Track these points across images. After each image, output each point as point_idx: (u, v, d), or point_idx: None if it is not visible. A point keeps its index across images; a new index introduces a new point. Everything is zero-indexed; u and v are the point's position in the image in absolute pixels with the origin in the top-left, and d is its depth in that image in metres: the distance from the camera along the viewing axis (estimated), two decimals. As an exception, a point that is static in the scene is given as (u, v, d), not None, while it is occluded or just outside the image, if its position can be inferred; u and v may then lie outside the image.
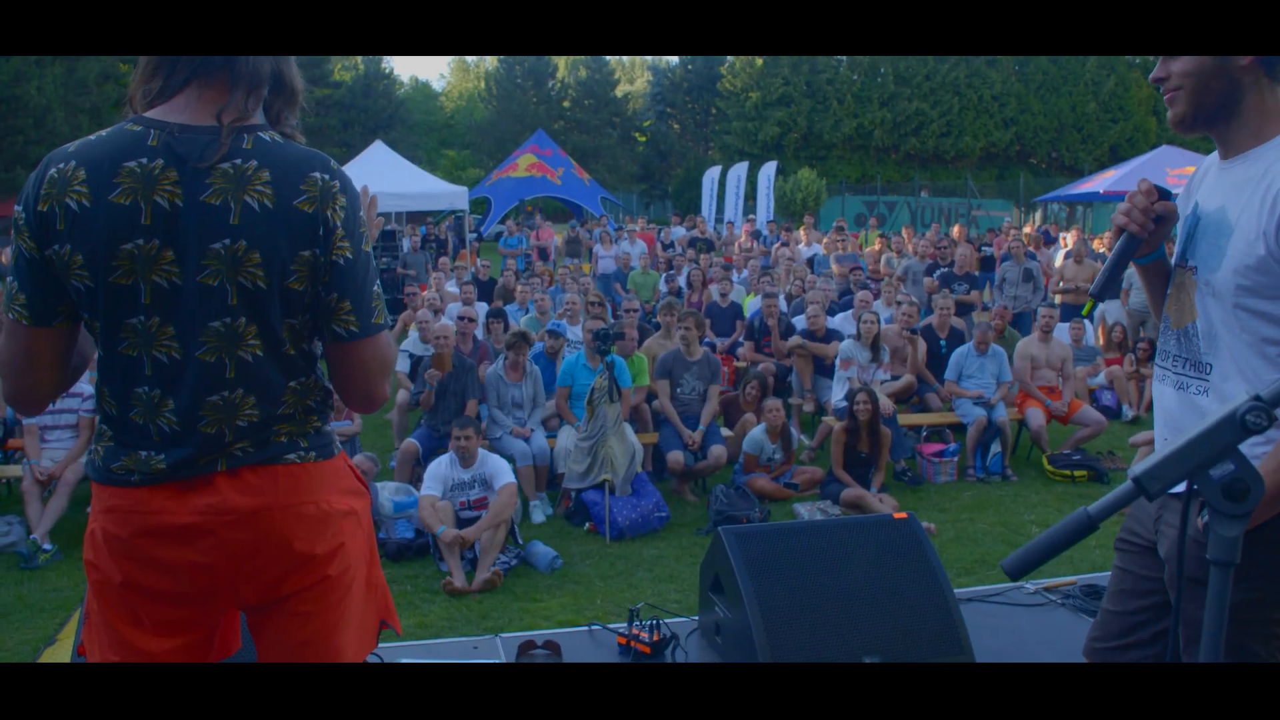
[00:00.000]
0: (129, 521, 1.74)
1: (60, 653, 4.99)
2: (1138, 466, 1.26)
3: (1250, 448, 1.80)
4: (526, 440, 7.46)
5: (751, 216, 24.09)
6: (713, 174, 29.60)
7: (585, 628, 3.97)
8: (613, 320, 9.67)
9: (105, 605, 1.81)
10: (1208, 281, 1.96)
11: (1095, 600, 4.08)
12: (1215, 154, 2.09)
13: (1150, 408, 9.87)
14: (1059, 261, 13.90)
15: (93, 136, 1.73)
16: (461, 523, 6.17)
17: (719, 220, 27.08)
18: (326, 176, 1.74)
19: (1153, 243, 2.08)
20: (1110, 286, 2.10)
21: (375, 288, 1.81)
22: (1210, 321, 1.97)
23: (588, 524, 6.92)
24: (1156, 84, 2.03)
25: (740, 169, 28.06)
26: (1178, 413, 2.05)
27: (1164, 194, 2.03)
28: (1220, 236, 1.95)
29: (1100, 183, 20.80)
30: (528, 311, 10.84)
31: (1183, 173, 17.65)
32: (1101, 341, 11.78)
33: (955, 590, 4.22)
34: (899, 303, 10.25)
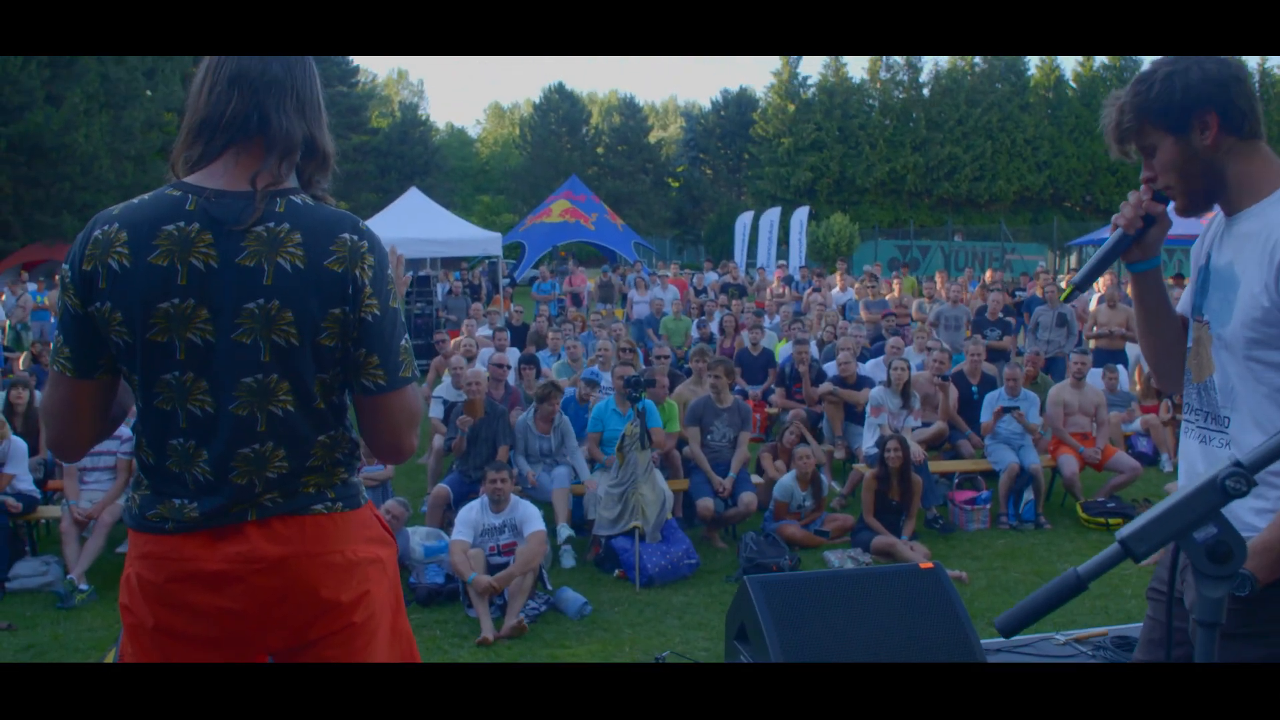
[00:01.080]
0: (162, 568, 1.80)
1: (94, 694, 5.06)
2: (1124, 529, 1.29)
3: (1254, 516, 1.87)
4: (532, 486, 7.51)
5: (783, 262, 24.18)
6: (745, 219, 29.75)
7: (611, 675, 3.97)
8: (644, 367, 9.73)
9: (139, 649, 1.86)
10: (1219, 335, 1.99)
11: (1126, 652, 4.04)
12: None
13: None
14: (1093, 306, 13.83)
15: (135, 200, 1.82)
16: (492, 568, 6.20)
17: (751, 265, 27.18)
18: (355, 237, 1.81)
19: (1146, 248, 2.09)
20: (1091, 279, 2.17)
21: (402, 342, 1.87)
22: (1226, 375, 1.99)
23: (617, 570, 6.92)
24: (1149, 184, 2.06)
25: (773, 214, 28.19)
26: (1201, 466, 2.06)
27: (1159, 198, 2.04)
28: (1229, 290, 1.98)
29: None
30: (560, 358, 10.92)
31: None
32: (1138, 387, 11.68)
33: (985, 641, 4.19)
34: (929, 349, 10.24)
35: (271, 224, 1.76)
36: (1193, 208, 2.03)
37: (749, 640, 3.58)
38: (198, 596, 1.79)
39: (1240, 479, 1.17)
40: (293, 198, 1.81)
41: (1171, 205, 2.05)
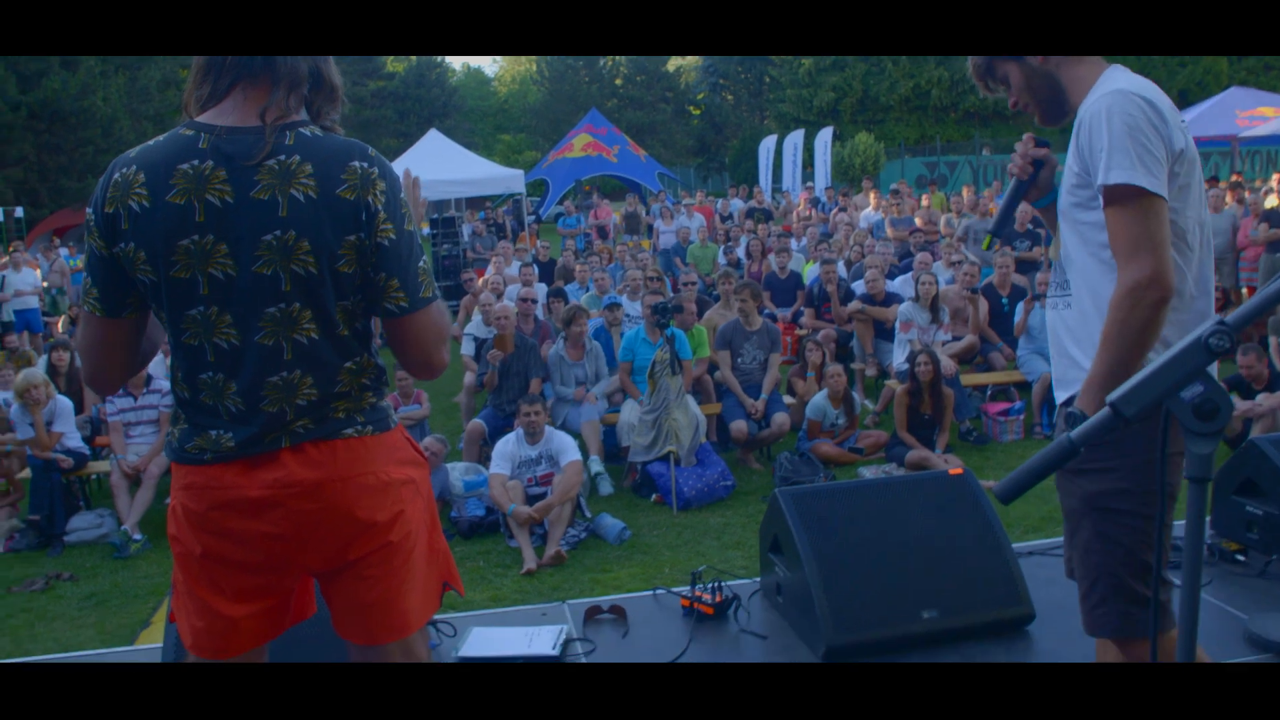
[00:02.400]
0: (204, 497, 1.87)
1: (154, 635, 5.24)
2: (1114, 392, 1.32)
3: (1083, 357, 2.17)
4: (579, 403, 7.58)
5: (809, 184, 23.92)
6: (768, 143, 29.40)
7: (649, 592, 4.06)
8: (671, 294, 9.74)
9: (188, 575, 1.94)
10: (1060, 210, 2.26)
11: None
12: None
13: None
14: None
15: (151, 142, 1.86)
16: (530, 499, 6.31)
17: (776, 189, 26.93)
18: (365, 164, 1.84)
19: (1042, 187, 2.40)
20: (1003, 225, 2.57)
21: (421, 264, 1.91)
22: (1066, 244, 2.25)
23: (654, 495, 7.02)
24: (1016, 109, 2.40)
25: (796, 137, 27.83)
26: (1051, 331, 2.34)
27: (1041, 143, 2.37)
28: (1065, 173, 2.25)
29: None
30: (587, 290, 10.95)
31: (1253, 114, 17.13)
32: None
33: (1016, 545, 4.24)
34: (958, 263, 10.17)
35: (282, 157, 1.80)
36: (1050, 117, 2.33)
37: (782, 552, 3.64)
38: (239, 523, 1.86)
39: (1223, 336, 1.19)
40: (302, 129, 1.84)
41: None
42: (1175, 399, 1.20)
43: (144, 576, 6.11)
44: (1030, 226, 11.81)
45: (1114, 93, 2.09)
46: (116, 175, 1.82)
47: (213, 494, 1.86)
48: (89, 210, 1.86)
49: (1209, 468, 1.22)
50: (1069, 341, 2.25)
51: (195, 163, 1.79)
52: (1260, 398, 6.80)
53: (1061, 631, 3.47)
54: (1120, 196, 2.05)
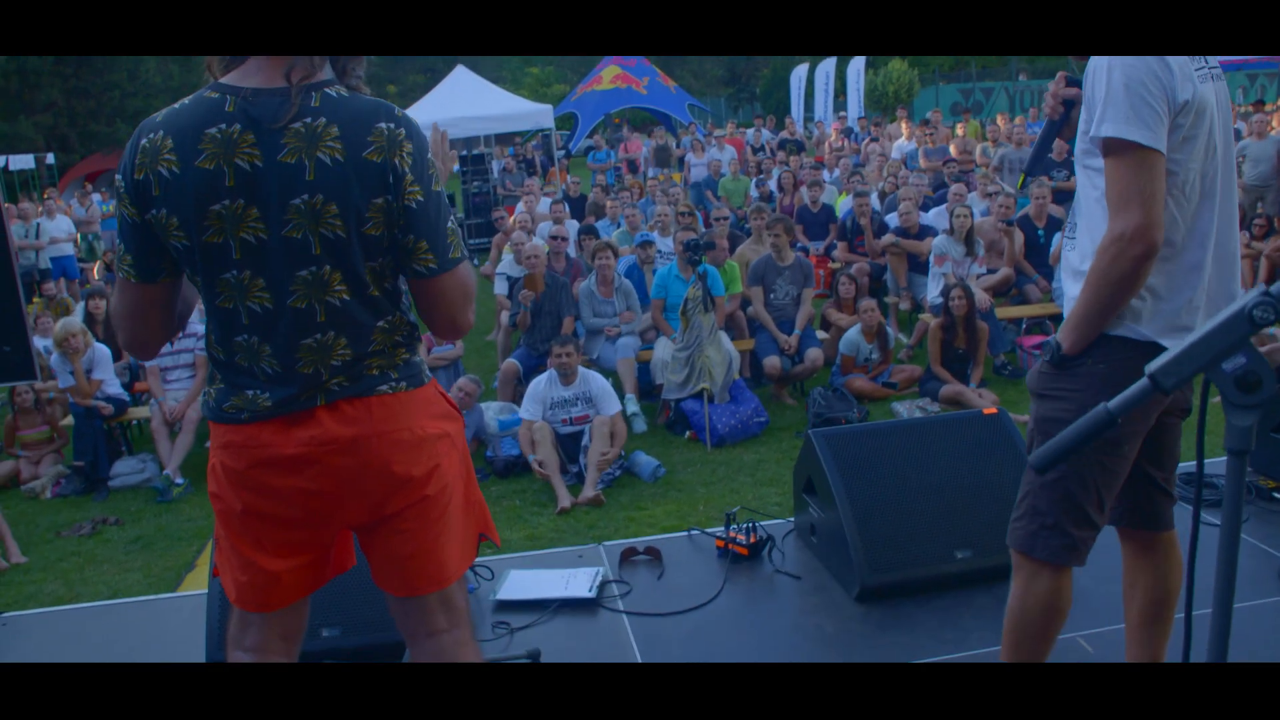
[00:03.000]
0: (243, 455, 1.89)
1: (199, 577, 5.36)
2: (1153, 363, 1.30)
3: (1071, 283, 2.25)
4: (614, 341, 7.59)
5: (842, 114, 23.56)
6: (800, 72, 28.86)
7: (684, 533, 4.09)
8: (704, 230, 9.67)
9: (230, 531, 1.98)
10: (1075, 154, 2.27)
11: (1191, 488, 4.03)
12: None
13: (1268, 281, 9.54)
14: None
15: (177, 105, 1.84)
16: (563, 438, 6.35)
17: (809, 119, 26.52)
18: (392, 125, 1.82)
19: (1073, 127, 2.33)
20: (1038, 164, 2.66)
21: (449, 224, 1.90)
22: (1078, 186, 2.28)
23: (688, 432, 7.04)
24: None
25: (828, 65, 27.28)
26: (1061, 268, 2.39)
27: (1073, 82, 2.32)
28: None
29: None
30: (619, 226, 10.89)
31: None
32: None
33: (1052, 481, 4.22)
34: (993, 194, 10.01)
35: (309, 119, 1.78)
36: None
37: (816, 493, 3.66)
38: (278, 479, 1.88)
39: (1268, 308, 1.16)
40: (328, 90, 1.82)
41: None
42: (1217, 370, 1.17)
43: (187, 520, 6.24)
44: (1069, 155, 11.58)
45: None
46: (144, 141, 1.81)
47: (251, 452, 1.88)
48: (118, 176, 1.86)
49: (1249, 440, 1.20)
50: (1069, 279, 2.29)
51: (223, 126, 1.78)
52: (1303, 327, 6.68)
53: (1092, 571, 3.46)
54: (1114, 149, 2.07)
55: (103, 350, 7.17)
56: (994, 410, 3.71)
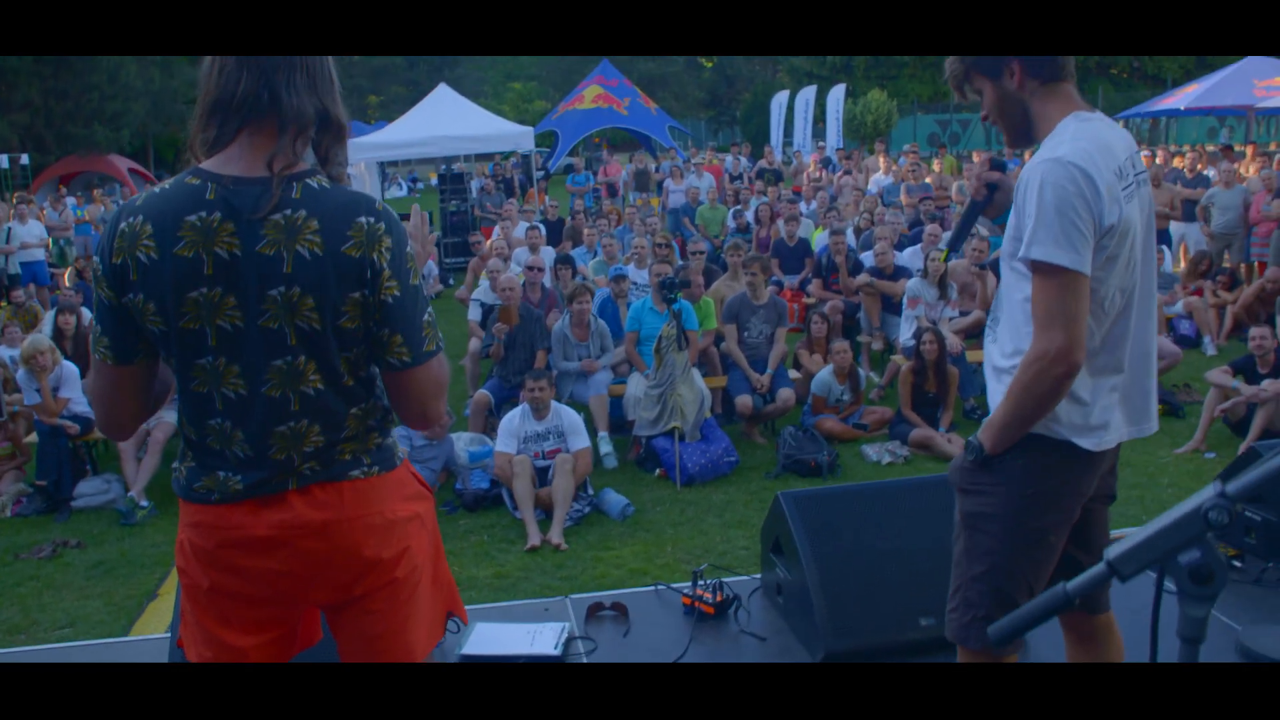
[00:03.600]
0: (212, 535, 1.89)
1: (163, 607, 5.32)
2: (1112, 549, 1.34)
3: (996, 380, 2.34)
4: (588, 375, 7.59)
5: (821, 143, 23.74)
6: (781, 98, 29.10)
7: (651, 588, 4.10)
8: (680, 262, 9.71)
9: (197, 607, 1.97)
10: (1000, 253, 2.34)
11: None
12: None
13: (1230, 337, 9.65)
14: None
15: (157, 189, 1.84)
16: (538, 472, 6.34)
17: (788, 144, 26.67)
18: (371, 220, 1.83)
19: (996, 208, 2.49)
20: (958, 242, 2.70)
21: (425, 317, 1.91)
22: (1003, 284, 2.34)
23: (658, 470, 7.06)
24: (985, 121, 2.42)
25: (808, 93, 27.52)
26: (985, 357, 2.47)
27: (998, 165, 2.45)
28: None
29: (1182, 98, 20.05)
30: (595, 255, 10.92)
31: (1271, 83, 16.92)
32: (1184, 266, 11.50)
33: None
34: (970, 235, 10.10)
35: (289, 211, 1.79)
36: (1016, 141, 2.36)
37: (784, 554, 3.68)
38: (248, 560, 1.88)
39: (1222, 510, 1.21)
40: (309, 181, 1.83)
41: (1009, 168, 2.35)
42: (1173, 562, 1.22)
43: (150, 545, 6.17)
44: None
45: (1053, 161, 2.13)
46: (123, 225, 1.80)
47: (221, 533, 1.88)
48: (96, 258, 1.86)
49: (1202, 629, 1.24)
50: (991, 376, 2.38)
51: (203, 214, 1.78)
52: (1265, 383, 6.79)
53: (1053, 640, 3.51)
54: (1042, 270, 2.14)
55: (70, 368, 7.10)
56: (961, 475, 3.74)
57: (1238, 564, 3.96)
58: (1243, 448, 6.64)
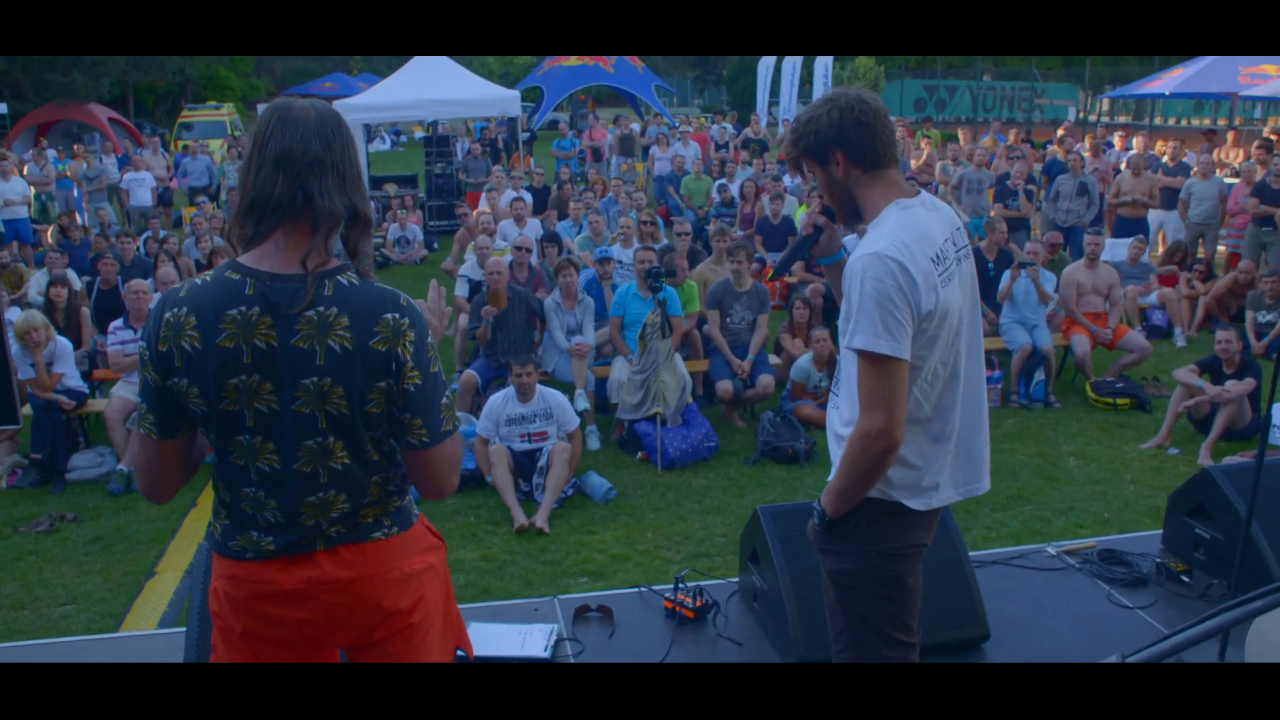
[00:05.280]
0: (245, 587, 2.07)
1: (162, 584, 5.51)
2: None
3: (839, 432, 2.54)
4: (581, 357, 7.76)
5: (807, 101, 23.70)
6: (768, 62, 28.97)
7: (635, 590, 4.31)
8: (664, 241, 9.85)
9: (228, 645, 2.16)
10: (839, 326, 2.51)
11: (1113, 565, 4.34)
12: None
13: (1201, 328, 9.90)
14: (1122, 165, 13.72)
15: (199, 281, 2.00)
16: (521, 455, 6.52)
17: (774, 103, 26.61)
18: (397, 315, 2.00)
19: (822, 249, 2.71)
20: (785, 268, 2.92)
21: (444, 400, 2.09)
22: (843, 356, 2.51)
23: (640, 453, 7.26)
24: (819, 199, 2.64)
25: (795, 58, 27.45)
26: (828, 420, 2.67)
27: (828, 212, 2.62)
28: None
29: (1168, 83, 20.21)
30: (581, 229, 11.03)
31: (1255, 71, 17.09)
32: (1161, 251, 11.73)
33: (979, 553, 4.51)
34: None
35: (321, 308, 1.95)
36: (846, 219, 2.58)
37: (760, 563, 3.89)
38: (277, 610, 2.07)
39: None
40: (340, 279, 1.99)
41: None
42: None
43: (146, 521, 6.34)
44: (1022, 184, 11.93)
45: (872, 255, 2.31)
46: (168, 315, 1.96)
47: (253, 586, 2.07)
48: (142, 343, 2.01)
49: None
50: (832, 440, 2.59)
51: (243, 309, 1.94)
52: (1229, 384, 7.04)
53: (1012, 650, 3.75)
54: (864, 357, 2.32)
55: (64, 343, 7.21)
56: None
57: (1185, 579, 4.21)
58: (1205, 447, 6.92)
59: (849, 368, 2.44)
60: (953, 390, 2.49)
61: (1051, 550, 4.52)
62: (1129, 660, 1.36)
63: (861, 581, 2.53)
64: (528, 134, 21.98)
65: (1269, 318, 9.22)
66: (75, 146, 17.06)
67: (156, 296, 8.11)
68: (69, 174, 15.50)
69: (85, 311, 8.27)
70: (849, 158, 2.44)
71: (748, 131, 19.69)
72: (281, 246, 1.96)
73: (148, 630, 4.78)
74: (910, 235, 2.33)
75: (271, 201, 1.93)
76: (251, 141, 1.98)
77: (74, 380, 7.19)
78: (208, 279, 1.99)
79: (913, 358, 2.35)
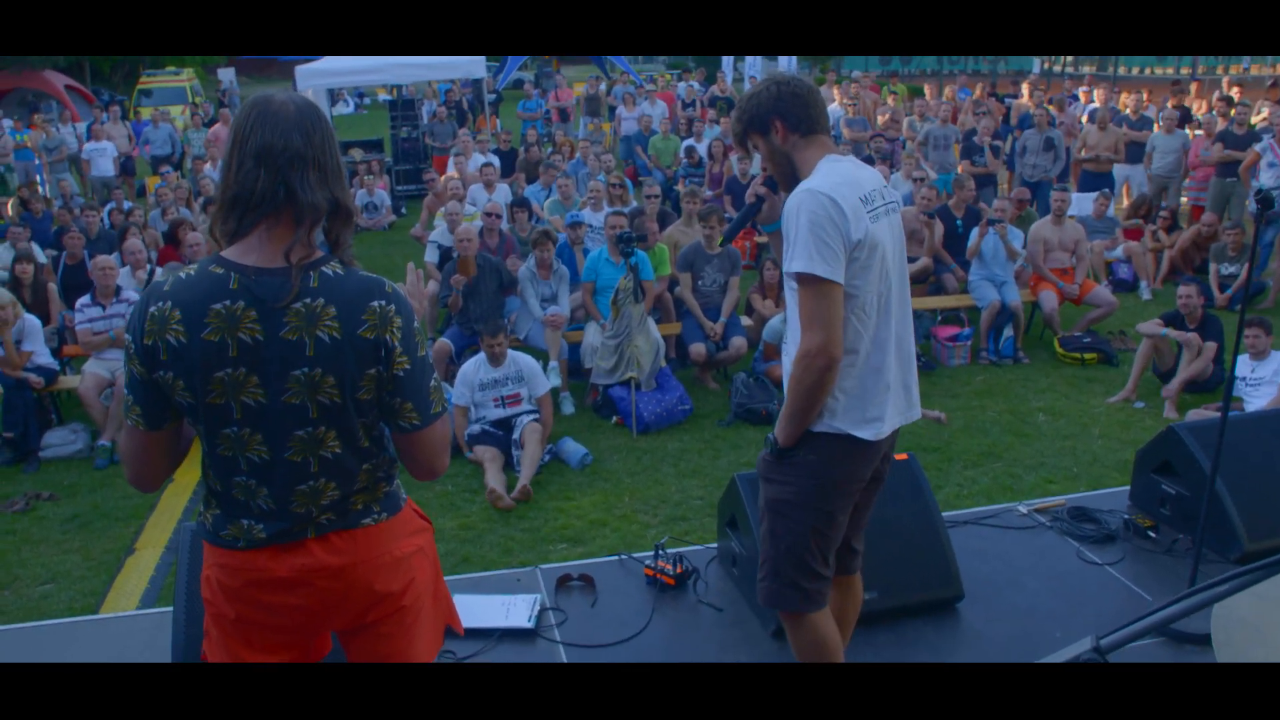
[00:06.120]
0: (238, 575, 2.10)
1: (142, 561, 5.52)
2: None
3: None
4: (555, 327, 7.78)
5: (774, 66, 23.63)
6: (734, 17, 28.74)
7: (616, 558, 4.37)
8: (634, 204, 9.84)
9: (221, 631, 2.19)
10: (784, 272, 2.70)
11: (1082, 523, 4.44)
12: None
13: (1166, 281, 10.04)
14: (1084, 119, 13.80)
15: (183, 275, 2.00)
16: (495, 422, 6.55)
17: (739, 61, 26.47)
18: (383, 303, 2.02)
19: (766, 217, 2.95)
20: (733, 234, 3.27)
21: (432, 383, 2.11)
22: (788, 304, 2.74)
23: (615, 417, 7.31)
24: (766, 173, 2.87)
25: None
26: (783, 367, 2.83)
27: (770, 184, 2.88)
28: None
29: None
30: (550, 194, 10.99)
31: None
32: (1126, 204, 11.85)
33: (952, 513, 4.60)
34: (918, 179, 10.34)
35: (308, 299, 1.97)
36: (787, 186, 2.76)
37: (738, 529, 3.96)
38: (270, 596, 2.10)
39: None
40: (324, 269, 2.00)
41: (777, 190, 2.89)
42: None
43: (123, 497, 6.32)
44: (990, 140, 11.99)
45: (806, 191, 2.58)
46: (153, 309, 1.97)
47: (246, 574, 2.09)
48: (128, 336, 2.02)
49: None
50: (786, 378, 2.73)
51: (228, 303, 1.95)
52: (1190, 337, 7.16)
53: (986, 610, 3.85)
54: (801, 280, 2.57)
55: (33, 321, 7.14)
56: (904, 456, 4.03)
57: (1152, 535, 4.32)
58: (1168, 400, 7.05)
59: (793, 305, 2.66)
60: (887, 325, 2.71)
61: (1023, 509, 4.62)
62: (1102, 641, 1.42)
63: (796, 512, 2.75)
64: (494, 96, 21.77)
65: (1232, 269, 9.36)
66: (34, 116, 16.72)
67: (125, 271, 8.04)
68: (28, 143, 15.21)
69: (52, 287, 8.18)
70: (786, 125, 2.71)
71: (714, 89, 19.61)
72: (265, 241, 1.97)
73: (131, 610, 4.79)
74: (839, 179, 2.61)
75: (254, 197, 1.94)
76: (231, 137, 1.98)
77: (44, 358, 7.12)
78: (191, 273, 2.00)
79: (848, 285, 2.59)
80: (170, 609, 3.53)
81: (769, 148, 2.77)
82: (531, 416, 6.60)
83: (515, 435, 6.50)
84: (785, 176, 2.78)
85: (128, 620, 4.19)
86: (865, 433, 2.69)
